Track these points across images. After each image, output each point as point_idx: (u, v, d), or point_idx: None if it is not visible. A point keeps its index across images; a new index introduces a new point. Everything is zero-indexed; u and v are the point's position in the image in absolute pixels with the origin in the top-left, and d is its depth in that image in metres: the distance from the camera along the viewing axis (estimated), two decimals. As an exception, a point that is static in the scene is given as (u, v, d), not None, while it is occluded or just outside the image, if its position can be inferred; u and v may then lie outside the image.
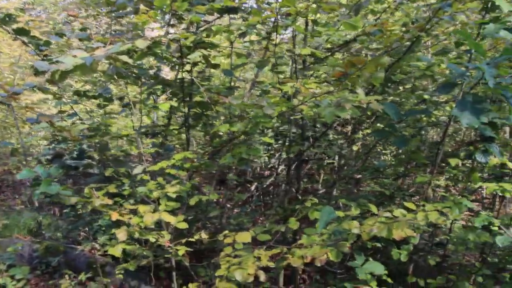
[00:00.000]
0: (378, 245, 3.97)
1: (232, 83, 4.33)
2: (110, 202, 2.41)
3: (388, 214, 2.56)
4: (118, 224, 3.09)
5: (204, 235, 2.86)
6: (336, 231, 2.78)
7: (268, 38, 3.23)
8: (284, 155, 5.47)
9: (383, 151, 7.06)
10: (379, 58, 2.28)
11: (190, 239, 2.89)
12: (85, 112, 5.79)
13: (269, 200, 7.26)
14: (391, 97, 5.29)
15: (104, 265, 4.30)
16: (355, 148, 6.25)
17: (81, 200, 2.40)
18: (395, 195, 3.74)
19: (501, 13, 3.31)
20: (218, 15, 4.20)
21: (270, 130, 6.86)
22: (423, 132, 5.73)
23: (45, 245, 4.32)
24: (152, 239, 2.88)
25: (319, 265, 2.43)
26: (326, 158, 6.93)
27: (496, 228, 3.51)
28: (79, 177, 5.61)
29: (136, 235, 2.59)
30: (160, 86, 3.71)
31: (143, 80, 3.93)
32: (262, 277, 2.48)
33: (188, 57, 2.98)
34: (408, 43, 3.21)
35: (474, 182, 2.96)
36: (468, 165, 3.64)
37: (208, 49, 3.25)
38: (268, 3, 3.17)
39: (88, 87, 5.80)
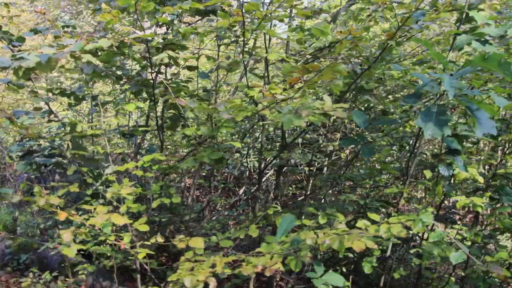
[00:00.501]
0: (351, 255, 3.92)
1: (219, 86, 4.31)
2: (57, 201, 2.37)
3: (343, 226, 2.50)
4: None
5: (159, 239, 2.81)
6: (295, 240, 2.73)
7: (237, 42, 3.19)
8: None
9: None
10: (335, 65, 2.23)
11: (146, 242, 2.84)
12: (71, 111, 5.78)
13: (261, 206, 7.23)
14: (381, 106, 5.24)
15: (76, 264, 4.27)
16: (343, 155, 6.20)
17: (25, 199, 2.37)
18: (368, 205, 3.68)
19: (477, 23, 3.26)
20: (200, 17, 4.17)
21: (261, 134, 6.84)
22: (410, 142, 5.68)
23: (18, 242, 4.30)
24: (109, 241, 2.84)
25: (268, 274, 2.37)
26: (316, 164, 6.89)
27: (469, 243, 3.45)
28: (62, 175, 5.60)
29: (83, 237, 2.54)
30: (127, 87, 3.68)
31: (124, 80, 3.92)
32: (212, 284, 2.43)
33: (154, 58, 2.95)
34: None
35: (438, 195, 2.89)
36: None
37: (177, 51, 3.21)
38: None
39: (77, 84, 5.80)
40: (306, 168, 5.35)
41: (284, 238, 2.87)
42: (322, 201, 6.12)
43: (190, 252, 3.01)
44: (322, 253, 4.39)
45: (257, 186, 4.11)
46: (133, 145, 4.93)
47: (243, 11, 2.78)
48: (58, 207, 2.59)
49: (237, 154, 6.85)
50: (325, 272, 2.81)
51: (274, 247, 2.76)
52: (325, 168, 6.55)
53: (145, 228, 3.03)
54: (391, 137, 4.23)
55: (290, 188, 7.42)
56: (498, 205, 3.01)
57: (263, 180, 7.04)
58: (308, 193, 5.70)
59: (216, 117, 2.64)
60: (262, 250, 2.75)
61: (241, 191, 7.30)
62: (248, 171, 7.87)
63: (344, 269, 4.07)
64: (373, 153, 2.88)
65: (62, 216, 2.32)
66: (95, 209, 2.71)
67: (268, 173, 6.74)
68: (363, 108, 5.25)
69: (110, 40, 2.81)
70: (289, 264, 2.86)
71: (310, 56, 4.07)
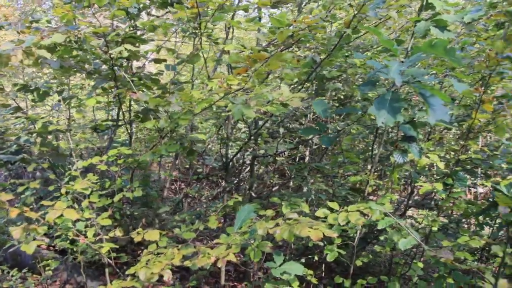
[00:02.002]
0: (321, 244, 3.95)
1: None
2: (7, 197, 2.37)
3: (295, 215, 2.51)
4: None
5: (118, 233, 2.82)
6: (252, 230, 2.74)
7: (195, 33, 3.17)
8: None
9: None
10: (281, 54, 2.22)
11: (104, 237, 2.85)
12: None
13: (243, 195, 7.25)
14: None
15: (54, 260, 4.28)
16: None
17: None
18: (336, 194, 3.69)
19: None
20: (167, 10, 4.15)
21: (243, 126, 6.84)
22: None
23: (-9, 239, 4.30)
24: (69, 236, 2.85)
25: (220, 265, 2.38)
26: (298, 154, 6.91)
27: (436, 229, 3.46)
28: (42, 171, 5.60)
29: (34, 233, 2.54)
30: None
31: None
32: (166, 276, 2.44)
33: (110, 51, 2.93)
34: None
35: (394, 182, 2.90)
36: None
37: (137, 44, 3.19)
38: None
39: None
40: (280, 158, 5.35)
41: (246, 228, 2.89)
42: (305, 189, 6.17)
43: (153, 245, 3.03)
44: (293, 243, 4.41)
45: (224, 177, 4.10)
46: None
47: (197, 2, 2.76)
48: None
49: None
50: (284, 262, 2.83)
51: (233, 238, 2.77)
52: (307, 158, 6.60)
53: (108, 222, 3.04)
54: (362, 125, 4.23)
55: (274, 178, 7.46)
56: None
57: (245, 171, 7.07)
58: (284, 182, 5.72)
59: (169, 110, 2.64)
60: (221, 241, 2.76)
61: (224, 182, 7.32)
62: (231, 162, 7.88)
63: (316, 258, 4.10)
64: (332, 142, 2.88)
65: (13, 213, 2.32)
66: (53, 205, 2.71)
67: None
68: (336, 98, 5.26)
69: (64, 35, 2.79)
70: (249, 254, 2.88)
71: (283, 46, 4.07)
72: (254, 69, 2.34)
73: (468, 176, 4.32)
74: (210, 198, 7.21)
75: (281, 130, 5.60)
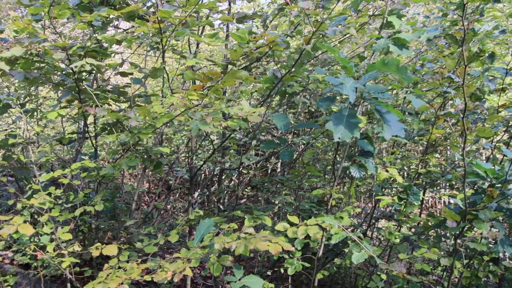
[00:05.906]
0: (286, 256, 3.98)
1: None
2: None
3: (251, 230, 2.54)
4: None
5: (76, 247, 2.80)
6: (211, 244, 2.75)
7: (158, 48, 3.20)
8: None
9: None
10: (235, 71, 2.26)
11: (63, 251, 2.82)
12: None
13: (214, 207, 7.26)
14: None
15: (14, 275, 4.20)
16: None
17: None
18: (299, 207, 3.73)
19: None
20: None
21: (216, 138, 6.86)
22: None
23: (-47, 254, 4.21)
24: (27, 251, 2.81)
25: (176, 280, 2.38)
26: (269, 167, 6.96)
27: (397, 241, 3.52)
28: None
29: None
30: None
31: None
32: (124, 292, 2.43)
33: (72, 65, 2.93)
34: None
35: (352, 196, 2.96)
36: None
37: (99, 58, 3.19)
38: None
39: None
40: (251, 171, 5.39)
41: (208, 242, 2.90)
42: (277, 202, 6.20)
43: (114, 259, 3.01)
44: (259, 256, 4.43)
45: (188, 191, 4.11)
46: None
47: (159, 18, 2.79)
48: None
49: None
50: (245, 275, 2.84)
51: (193, 252, 2.77)
52: (278, 170, 6.65)
53: (68, 236, 3.01)
54: (328, 139, 4.30)
55: (246, 190, 7.49)
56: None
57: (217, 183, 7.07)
58: (251, 195, 5.74)
59: (126, 124, 2.65)
60: (181, 255, 2.76)
61: (196, 194, 7.31)
62: (202, 174, 7.89)
63: (282, 270, 4.11)
64: (292, 156, 2.92)
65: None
66: (11, 219, 2.68)
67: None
68: (307, 111, 5.33)
69: (24, 49, 2.77)
70: (209, 268, 2.89)
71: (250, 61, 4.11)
72: (209, 86, 2.37)
73: (431, 189, 4.43)
74: (182, 210, 7.19)
75: (253, 142, 5.64)
